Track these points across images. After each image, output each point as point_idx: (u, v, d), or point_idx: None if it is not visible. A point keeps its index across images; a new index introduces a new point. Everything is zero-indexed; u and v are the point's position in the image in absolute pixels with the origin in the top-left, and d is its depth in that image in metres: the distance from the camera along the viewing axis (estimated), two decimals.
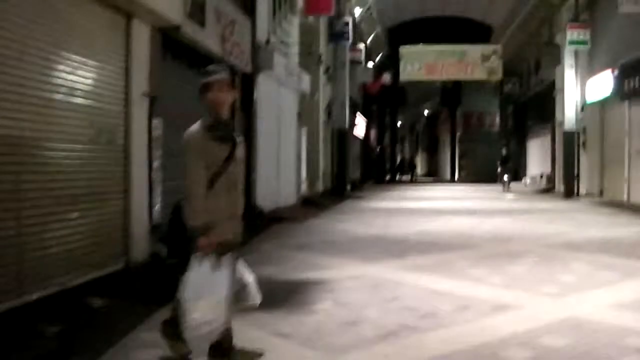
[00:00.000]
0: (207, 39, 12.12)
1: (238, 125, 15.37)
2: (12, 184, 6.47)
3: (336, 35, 27.49)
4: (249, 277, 4.95)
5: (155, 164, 10.01)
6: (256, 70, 16.05)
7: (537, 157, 40.76)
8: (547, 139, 36.41)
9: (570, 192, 27.44)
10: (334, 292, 7.91)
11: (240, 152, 4.86)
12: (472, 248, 11.81)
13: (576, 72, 27.75)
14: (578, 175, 27.68)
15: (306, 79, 21.42)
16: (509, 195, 30.16)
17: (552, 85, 33.54)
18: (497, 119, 52.80)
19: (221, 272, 4.60)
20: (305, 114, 22.98)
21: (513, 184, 41.70)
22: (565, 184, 28.04)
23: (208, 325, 4.54)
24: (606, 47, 25.38)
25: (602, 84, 24.75)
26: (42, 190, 6.94)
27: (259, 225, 14.98)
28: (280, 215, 16.73)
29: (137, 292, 7.58)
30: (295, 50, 21.07)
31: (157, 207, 10.09)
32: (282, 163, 19.26)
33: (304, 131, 22.92)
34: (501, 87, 47.42)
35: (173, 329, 4.88)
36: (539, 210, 20.54)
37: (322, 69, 25.57)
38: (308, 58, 23.32)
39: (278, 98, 18.91)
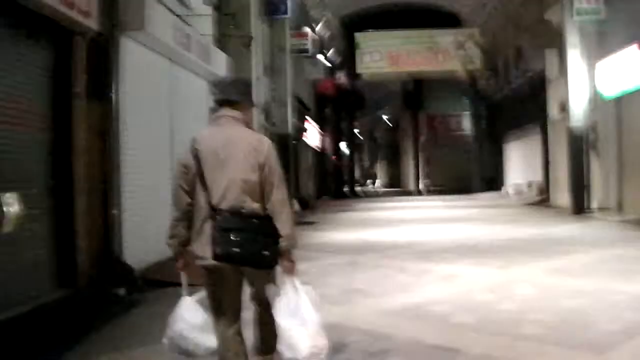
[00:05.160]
0: None
1: (83, 125, 8.79)
2: None
3: (270, 5, 20.58)
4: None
5: None
6: (115, 30, 9.39)
7: (519, 162, 35.01)
8: (533, 141, 30.79)
9: (579, 207, 21.18)
10: None
11: None
12: None
13: (582, 54, 21.54)
14: (588, 185, 21.49)
15: (221, 59, 14.57)
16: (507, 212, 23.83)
17: (539, 76, 27.67)
18: (467, 121, 46.93)
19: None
20: None
21: (490, 195, 35.93)
22: (573, 196, 21.68)
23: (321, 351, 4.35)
24: (626, 17, 19.18)
25: (622, 65, 18.70)
26: None
27: (113, 299, 8.58)
28: (163, 277, 9.85)
29: None
30: (202, 12, 14.05)
31: None
32: None
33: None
34: (473, 83, 41.30)
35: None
36: (570, 241, 14.08)
37: (245, 43, 18.20)
38: (226, 28, 16.29)
39: (171, 84, 12.10)
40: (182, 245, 4.45)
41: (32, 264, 7.67)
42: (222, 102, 4.48)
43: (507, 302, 7.94)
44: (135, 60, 10.12)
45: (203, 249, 4.25)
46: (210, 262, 4.23)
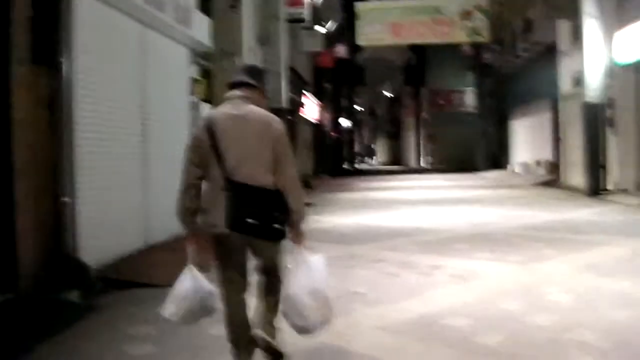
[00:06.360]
0: None
1: (26, 95, 7.29)
2: None
3: None
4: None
5: None
6: None
7: (527, 140, 33.53)
8: (542, 117, 29.45)
9: (595, 189, 19.71)
10: None
11: None
12: None
13: (601, 24, 19.94)
14: (604, 165, 20.01)
15: (203, 23, 12.92)
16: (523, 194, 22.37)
17: (549, 48, 26.21)
18: (471, 97, 45.47)
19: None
20: (218, 85, 14.58)
21: (496, 174, 34.58)
22: (588, 177, 20.18)
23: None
24: None
25: None
26: None
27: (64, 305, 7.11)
28: (125, 276, 8.37)
29: None
30: None
31: None
32: (155, 169, 10.59)
33: (206, 111, 13.93)
34: (479, 57, 39.70)
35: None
36: (593, 229, 12.61)
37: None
38: None
39: (141, 50, 10.44)
40: (191, 215, 4.49)
41: None
42: (236, 85, 4.67)
43: (539, 314, 6.43)
44: (93, 20, 8.54)
45: (216, 218, 4.35)
46: (223, 230, 4.34)
